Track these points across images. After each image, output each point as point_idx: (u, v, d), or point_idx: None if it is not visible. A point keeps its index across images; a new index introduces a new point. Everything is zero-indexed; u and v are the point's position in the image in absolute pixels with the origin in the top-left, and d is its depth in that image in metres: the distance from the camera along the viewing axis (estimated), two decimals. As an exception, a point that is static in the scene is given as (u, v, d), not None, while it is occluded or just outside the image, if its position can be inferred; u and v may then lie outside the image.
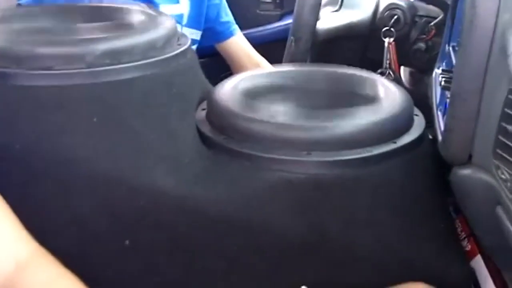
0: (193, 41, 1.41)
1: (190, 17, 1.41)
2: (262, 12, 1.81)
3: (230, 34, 1.49)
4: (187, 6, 1.40)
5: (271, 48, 1.46)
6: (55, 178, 0.80)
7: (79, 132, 0.80)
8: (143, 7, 1.00)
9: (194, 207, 0.81)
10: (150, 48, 0.85)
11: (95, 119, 0.80)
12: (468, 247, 0.89)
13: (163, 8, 1.33)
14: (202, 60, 1.20)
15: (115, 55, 0.81)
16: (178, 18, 1.37)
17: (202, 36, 1.45)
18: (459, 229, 0.92)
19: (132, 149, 0.81)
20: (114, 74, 0.81)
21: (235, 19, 1.52)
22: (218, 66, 1.46)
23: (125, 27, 0.89)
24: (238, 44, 1.50)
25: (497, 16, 0.69)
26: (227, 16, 1.49)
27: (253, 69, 1.43)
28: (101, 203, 0.81)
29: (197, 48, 1.44)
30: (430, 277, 0.82)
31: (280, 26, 1.75)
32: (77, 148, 0.79)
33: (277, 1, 1.80)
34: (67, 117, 0.79)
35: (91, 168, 0.80)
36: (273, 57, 1.36)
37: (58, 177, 0.80)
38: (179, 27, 1.34)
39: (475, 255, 0.86)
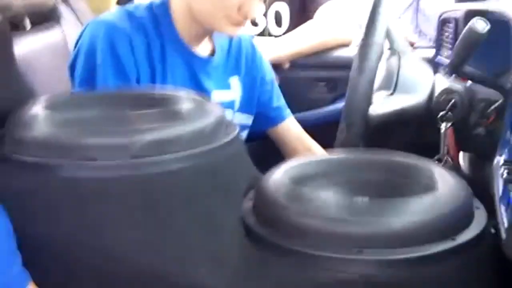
0: (245, 126, 1.41)
1: (242, 102, 1.40)
2: (315, 95, 1.79)
3: (282, 119, 1.47)
4: (239, 92, 1.40)
5: (324, 131, 1.42)
6: (95, 273, 0.79)
7: (121, 225, 0.78)
8: (193, 94, 0.99)
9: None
10: (197, 138, 0.84)
11: (138, 212, 0.78)
12: None
13: (215, 94, 1.32)
14: (252, 143, 1.18)
15: (160, 146, 0.80)
16: (230, 104, 1.36)
17: (253, 120, 1.44)
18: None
19: (175, 244, 0.79)
20: (158, 166, 0.79)
21: (287, 101, 1.51)
22: (268, 150, 1.44)
23: (172, 116, 0.88)
24: (290, 128, 1.48)
25: None
26: (279, 101, 1.48)
27: (304, 153, 1.40)
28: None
29: (248, 132, 1.43)
30: None
31: (334, 109, 1.72)
32: (118, 242, 0.78)
33: (331, 84, 1.79)
34: (109, 210, 0.78)
35: (132, 263, 0.78)
36: (326, 141, 1.32)
37: (98, 272, 0.79)
38: (231, 112, 1.34)
39: None
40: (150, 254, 0.77)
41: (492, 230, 0.85)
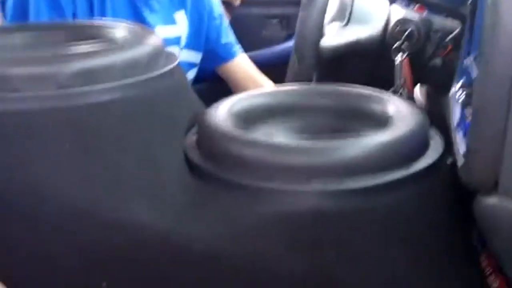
0: (192, 65, 1.34)
1: (189, 38, 1.34)
2: (268, 33, 1.73)
3: (232, 56, 1.40)
4: (186, 27, 1.33)
5: (278, 70, 1.37)
6: (22, 211, 0.73)
7: (50, 161, 0.72)
8: (129, 24, 0.92)
9: (178, 244, 0.73)
10: (131, 67, 0.77)
11: (67, 146, 0.72)
12: (496, 284, 0.79)
13: (159, 29, 1.25)
14: (203, 84, 1.11)
15: (91, 75, 0.73)
16: (176, 40, 1.29)
17: (202, 59, 1.37)
18: (484, 264, 0.82)
19: (108, 179, 0.73)
20: (89, 96, 0.73)
21: (239, 40, 1.45)
22: (221, 91, 1.37)
23: (105, 45, 0.81)
24: (241, 66, 1.42)
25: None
26: (229, 37, 1.41)
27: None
28: (74, 240, 0.73)
29: (198, 72, 1.36)
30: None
31: (287, 47, 1.67)
32: (47, 178, 0.72)
33: (284, 21, 1.73)
34: (36, 144, 0.72)
35: (62, 200, 0.72)
36: (280, 79, 1.27)
37: (25, 210, 0.72)
38: (177, 49, 1.27)
39: (504, 294, 0.76)
40: (80, 190, 0.71)
41: (449, 161, 0.82)
